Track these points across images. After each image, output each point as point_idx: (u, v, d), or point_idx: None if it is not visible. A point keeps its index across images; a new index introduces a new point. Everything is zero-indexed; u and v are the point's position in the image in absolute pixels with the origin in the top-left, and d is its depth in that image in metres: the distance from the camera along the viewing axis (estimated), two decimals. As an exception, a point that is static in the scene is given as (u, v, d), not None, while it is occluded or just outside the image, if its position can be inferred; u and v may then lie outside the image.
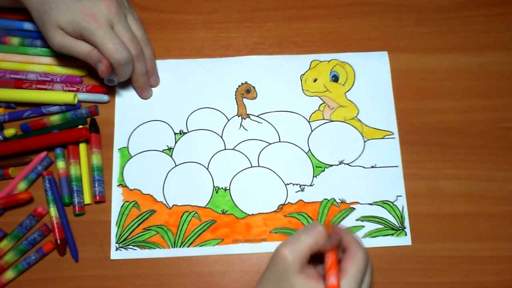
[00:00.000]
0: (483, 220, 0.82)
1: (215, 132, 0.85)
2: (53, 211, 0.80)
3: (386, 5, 0.93)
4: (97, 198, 0.81)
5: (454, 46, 0.91)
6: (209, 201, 0.82)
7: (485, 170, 0.84)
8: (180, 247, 0.79)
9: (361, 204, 0.82)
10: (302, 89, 0.88)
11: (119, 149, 0.84)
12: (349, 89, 0.88)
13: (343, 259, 0.63)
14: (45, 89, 0.85)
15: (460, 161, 0.84)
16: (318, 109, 0.87)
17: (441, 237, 0.80)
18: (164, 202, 0.82)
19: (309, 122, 0.86)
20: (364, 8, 0.93)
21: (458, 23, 0.92)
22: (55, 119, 0.84)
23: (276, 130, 0.85)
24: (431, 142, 0.85)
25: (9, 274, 0.78)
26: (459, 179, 0.83)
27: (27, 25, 0.88)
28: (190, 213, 0.81)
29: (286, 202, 0.82)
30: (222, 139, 0.85)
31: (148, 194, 0.82)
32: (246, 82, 0.88)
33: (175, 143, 0.85)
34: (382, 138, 0.85)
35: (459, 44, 0.91)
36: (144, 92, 0.86)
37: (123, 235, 0.80)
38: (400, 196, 0.82)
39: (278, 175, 0.83)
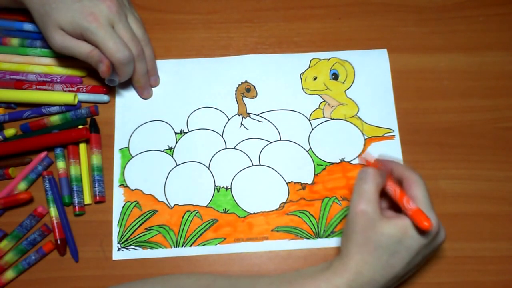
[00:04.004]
0: (483, 220, 0.81)
1: (215, 132, 0.85)
2: (53, 211, 0.80)
3: (386, 5, 0.93)
4: (97, 198, 0.81)
5: (454, 46, 0.91)
6: (211, 200, 0.82)
7: (485, 170, 0.84)
8: (182, 246, 0.79)
9: (363, 202, 0.82)
10: (302, 88, 0.88)
11: (120, 149, 0.84)
12: (349, 87, 0.88)
13: (405, 187, 0.67)
14: (45, 89, 0.85)
15: (460, 161, 0.84)
16: (318, 107, 0.87)
17: (442, 237, 0.80)
18: (166, 202, 0.82)
19: (309, 120, 0.86)
20: (364, 8, 0.93)
21: (458, 23, 0.92)
22: (55, 119, 0.84)
23: (277, 129, 0.85)
24: (431, 142, 0.85)
25: (9, 274, 0.77)
26: (459, 179, 0.83)
27: (27, 26, 0.88)
28: (191, 212, 0.81)
29: (288, 201, 0.82)
30: (223, 138, 0.85)
31: (150, 194, 0.82)
32: (246, 81, 0.88)
33: (176, 142, 0.85)
34: (383, 135, 0.85)
35: (459, 44, 0.91)
36: (144, 92, 0.86)
37: (124, 235, 0.80)
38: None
39: (279, 174, 0.83)
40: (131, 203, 0.81)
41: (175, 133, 0.85)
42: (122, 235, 0.80)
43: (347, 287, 0.63)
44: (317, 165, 0.84)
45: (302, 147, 0.84)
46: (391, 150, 0.85)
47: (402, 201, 0.64)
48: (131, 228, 0.80)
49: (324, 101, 0.87)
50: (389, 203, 0.70)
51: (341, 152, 0.84)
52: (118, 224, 0.80)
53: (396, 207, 0.67)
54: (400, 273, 0.64)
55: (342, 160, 0.84)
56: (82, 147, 0.84)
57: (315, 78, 0.88)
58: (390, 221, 0.63)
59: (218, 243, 0.80)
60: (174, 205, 0.81)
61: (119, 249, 0.79)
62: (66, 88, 0.85)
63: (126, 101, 0.87)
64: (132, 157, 0.84)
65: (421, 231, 0.63)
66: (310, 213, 0.81)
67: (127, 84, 0.87)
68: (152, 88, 0.88)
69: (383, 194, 0.68)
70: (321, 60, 0.89)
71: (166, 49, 0.90)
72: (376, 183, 0.65)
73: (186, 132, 0.85)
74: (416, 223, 0.62)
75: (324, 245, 0.80)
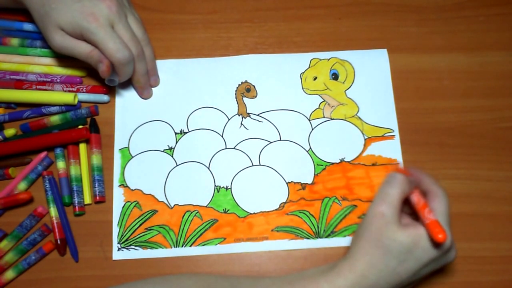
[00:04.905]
0: (483, 220, 0.81)
1: (215, 132, 0.85)
2: (53, 211, 0.80)
3: (386, 5, 0.93)
4: (97, 198, 0.81)
5: (454, 46, 0.91)
6: (211, 200, 0.82)
7: (485, 170, 0.84)
8: (182, 246, 0.79)
9: (362, 201, 0.82)
10: (302, 88, 0.88)
11: (120, 149, 0.84)
12: (349, 87, 0.88)
13: (428, 200, 0.67)
14: (45, 89, 0.85)
15: (460, 161, 0.84)
16: (318, 107, 0.87)
17: (442, 237, 0.80)
18: (166, 202, 0.82)
19: (309, 120, 0.86)
20: (364, 8, 0.93)
21: (458, 23, 0.92)
22: (55, 119, 0.84)
23: (277, 129, 0.85)
24: (431, 142, 0.85)
25: (9, 274, 0.77)
26: (459, 179, 0.83)
27: (27, 26, 0.88)
28: (191, 212, 0.81)
29: (288, 201, 0.82)
30: (223, 138, 0.85)
31: (150, 194, 0.82)
32: (246, 81, 0.88)
33: (176, 142, 0.85)
34: (383, 135, 0.85)
35: (459, 44, 0.91)
36: (144, 92, 0.86)
37: (125, 235, 0.80)
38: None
39: (279, 174, 0.83)
40: (131, 203, 0.81)
41: (175, 133, 0.85)
42: (122, 235, 0.80)
43: None
44: (317, 165, 0.84)
45: (302, 147, 0.84)
46: (391, 150, 0.84)
47: (423, 211, 0.64)
48: (131, 228, 0.80)
49: (324, 101, 0.87)
50: (409, 212, 0.70)
51: (341, 152, 0.84)
52: (118, 224, 0.80)
53: (415, 217, 0.68)
54: (404, 282, 0.65)
55: (342, 160, 0.84)
56: (82, 147, 0.84)
57: (315, 78, 0.88)
58: (405, 228, 0.63)
59: (218, 243, 0.80)
60: (174, 205, 0.81)
61: (119, 249, 0.79)
62: (66, 88, 0.85)
63: (126, 101, 0.87)
64: (132, 157, 0.84)
65: (434, 243, 0.63)
66: (310, 213, 0.81)
67: (127, 84, 0.87)
68: (152, 88, 0.88)
69: (405, 202, 0.68)
70: (321, 60, 0.89)
71: (166, 49, 0.90)
72: (401, 189, 0.65)
73: (186, 132, 0.85)
74: (431, 234, 0.62)
75: (324, 245, 0.80)
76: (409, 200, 0.67)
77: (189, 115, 0.86)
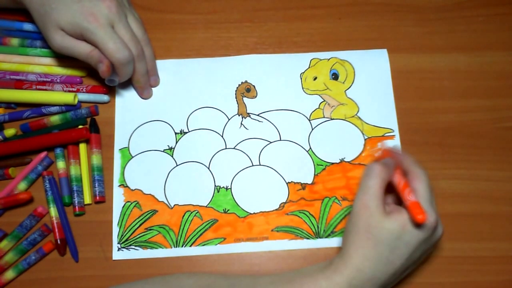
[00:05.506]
0: (483, 220, 0.81)
1: (215, 132, 0.85)
2: (53, 211, 0.80)
3: (386, 5, 0.93)
4: (97, 198, 0.81)
5: (454, 46, 0.91)
6: (211, 200, 0.82)
7: (485, 170, 0.84)
8: (182, 246, 0.79)
9: (363, 201, 0.82)
10: (302, 88, 0.88)
11: (120, 149, 0.84)
12: (349, 87, 0.88)
13: (409, 180, 0.68)
14: (45, 89, 0.85)
15: (460, 161, 0.84)
16: (318, 107, 0.87)
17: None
18: (166, 202, 0.81)
19: (309, 120, 0.86)
20: (364, 8, 0.93)
21: (458, 23, 0.92)
22: (55, 119, 0.84)
23: (277, 129, 0.85)
24: (431, 142, 0.85)
25: (9, 274, 0.77)
26: (459, 179, 0.83)
27: (27, 26, 0.88)
28: (191, 212, 0.81)
29: (288, 201, 0.81)
30: (223, 138, 0.85)
31: (150, 194, 0.82)
32: (246, 81, 0.88)
33: (176, 142, 0.85)
34: (383, 135, 0.85)
35: (459, 44, 0.91)
36: (144, 92, 0.86)
37: (125, 235, 0.80)
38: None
39: (279, 174, 0.83)
40: (131, 203, 0.81)
41: (175, 133, 0.85)
42: (122, 235, 0.80)
43: (348, 284, 0.63)
44: (317, 165, 0.83)
45: (302, 147, 0.84)
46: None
47: (403, 192, 0.65)
48: (131, 228, 0.80)
49: (324, 101, 0.87)
50: (395, 198, 0.71)
51: (341, 152, 0.84)
52: (118, 224, 0.80)
53: (401, 202, 0.68)
54: (400, 270, 0.65)
55: (342, 160, 0.84)
56: (82, 147, 0.84)
57: (315, 78, 0.88)
58: (390, 216, 0.64)
59: (218, 243, 0.80)
60: (174, 205, 0.81)
61: (119, 249, 0.79)
62: (66, 88, 0.85)
63: (126, 101, 0.87)
64: (132, 157, 0.84)
65: (417, 225, 0.63)
66: (310, 213, 0.81)
67: (127, 84, 0.87)
68: (152, 88, 0.88)
69: (391, 190, 0.69)
70: (321, 60, 0.89)
71: (166, 49, 0.90)
72: (380, 179, 0.66)
73: (186, 132, 0.85)
74: (412, 215, 0.63)
75: (324, 245, 0.80)
76: (392, 184, 0.68)
77: (189, 115, 0.86)
